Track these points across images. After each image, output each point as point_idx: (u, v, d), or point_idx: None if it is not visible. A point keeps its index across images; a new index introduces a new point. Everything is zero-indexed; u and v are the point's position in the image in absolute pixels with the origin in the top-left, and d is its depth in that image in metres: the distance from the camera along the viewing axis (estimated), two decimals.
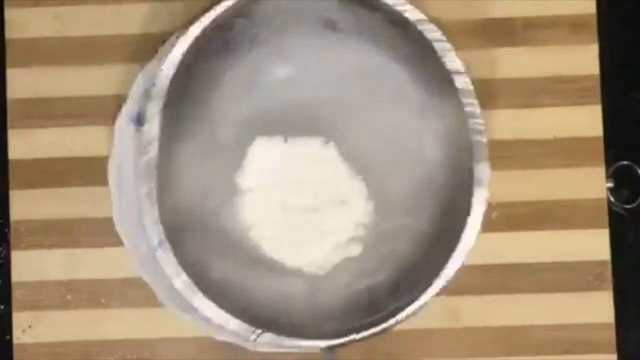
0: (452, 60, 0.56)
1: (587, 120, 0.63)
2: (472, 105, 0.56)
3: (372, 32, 0.58)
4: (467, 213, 0.56)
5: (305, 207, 0.61)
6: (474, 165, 0.56)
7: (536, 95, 0.63)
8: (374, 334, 0.56)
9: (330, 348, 0.56)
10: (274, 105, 0.61)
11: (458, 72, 0.56)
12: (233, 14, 0.56)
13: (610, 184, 0.63)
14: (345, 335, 0.56)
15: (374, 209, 0.61)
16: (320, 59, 0.61)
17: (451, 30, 0.63)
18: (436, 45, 0.56)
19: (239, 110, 0.61)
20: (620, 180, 0.63)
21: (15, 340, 0.63)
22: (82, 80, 0.64)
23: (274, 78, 0.61)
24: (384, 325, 0.56)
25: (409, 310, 0.56)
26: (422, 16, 0.56)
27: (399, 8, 0.56)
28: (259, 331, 0.55)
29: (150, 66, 0.61)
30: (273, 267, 0.60)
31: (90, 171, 0.63)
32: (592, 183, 0.63)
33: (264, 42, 0.60)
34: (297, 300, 0.59)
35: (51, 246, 0.63)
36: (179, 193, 0.58)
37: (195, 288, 0.55)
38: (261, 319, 0.56)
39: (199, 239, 0.58)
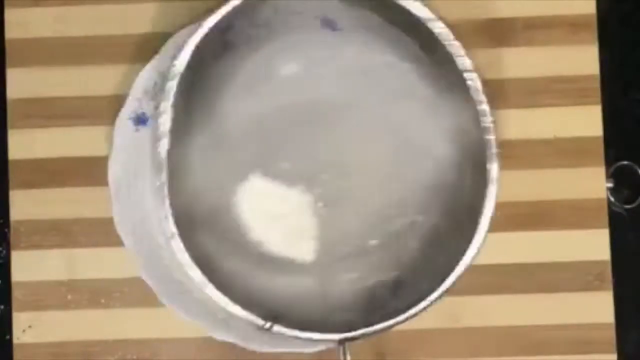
0: (462, 58, 0.56)
1: (587, 120, 0.63)
2: (482, 103, 0.56)
3: (376, 31, 0.59)
4: (478, 212, 0.56)
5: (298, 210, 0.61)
6: (487, 164, 0.56)
7: (536, 95, 0.63)
8: (388, 328, 0.56)
9: (342, 342, 0.56)
10: (279, 103, 0.61)
11: (467, 70, 0.56)
12: (234, 14, 0.56)
13: (610, 184, 0.63)
14: (358, 328, 0.56)
15: (384, 206, 0.61)
16: (324, 58, 0.61)
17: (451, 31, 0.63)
18: (446, 43, 0.56)
19: (244, 109, 0.61)
20: (620, 180, 0.63)
21: (15, 340, 0.63)
22: (82, 80, 0.64)
23: (278, 77, 0.61)
24: (399, 318, 0.56)
25: (424, 304, 0.56)
26: (430, 14, 0.56)
27: (408, 7, 0.56)
28: (269, 324, 0.55)
29: (151, 66, 0.61)
30: (280, 265, 0.60)
31: (90, 171, 0.63)
32: (592, 183, 0.63)
33: (266, 41, 0.60)
34: (306, 296, 0.59)
35: (51, 246, 0.63)
36: (186, 189, 0.58)
37: (206, 280, 0.56)
38: (270, 313, 0.56)
39: (206, 235, 0.59)
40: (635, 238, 0.63)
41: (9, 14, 0.64)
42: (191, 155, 0.59)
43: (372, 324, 0.56)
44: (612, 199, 0.63)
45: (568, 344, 0.63)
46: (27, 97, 0.64)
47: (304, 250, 0.61)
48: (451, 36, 0.56)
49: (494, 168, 0.56)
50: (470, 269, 0.61)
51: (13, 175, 0.64)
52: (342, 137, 0.61)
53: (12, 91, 0.64)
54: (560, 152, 0.63)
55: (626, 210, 0.63)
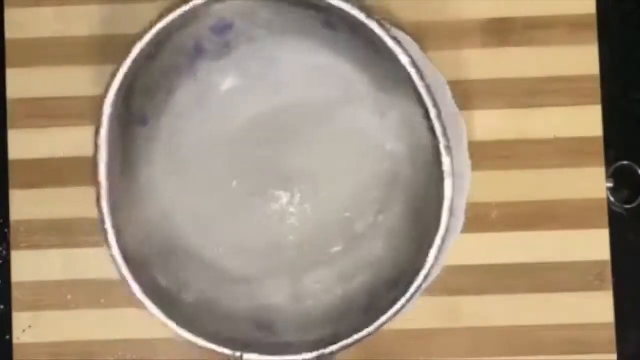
0: (403, 56, 0.54)
1: (587, 120, 0.63)
2: (426, 100, 0.54)
3: (314, 32, 0.58)
4: (439, 209, 0.55)
5: None
6: (441, 159, 0.54)
7: (536, 95, 0.63)
8: (364, 337, 0.55)
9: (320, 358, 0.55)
10: (244, 115, 0.61)
11: (410, 67, 0.54)
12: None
13: (610, 184, 0.63)
14: (334, 342, 0.55)
15: (345, 210, 0.60)
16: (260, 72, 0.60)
17: (451, 31, 0.63)
18: (387, 41, 0.54)
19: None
20: (620, 180, 0.63)
21: (15, 340, 0.63)
22: (81, 80, 0.64)
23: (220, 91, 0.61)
24: (371, 328, 0.55)
25: (396, 308, 0.55)
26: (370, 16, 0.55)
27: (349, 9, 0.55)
28: (239, 354, 0.55)
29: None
30: (248, 287, 0.60)
31: (90, 171, 0.63)
32: (592, 183, 0.63)
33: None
34: (278, 312, 0.59)
35: (51, 246, 0.63)
36: (145, 217, 0.58)
37: (166, 317, 0.56)
38: (243, 338, 0.56)
39: (170, 263, 0.58)
40: (635, 238, 0.63)
41: (9, 14, 0.64)
42: (148, 182, 0.59)
43: (346, 337, 0.55)
44: (612, 199, 0.63)
45: (568, 344, 0.63)
46: (27, 97, 0.64)
47: (272, 267, 0.60)
48: (392, 32, 0.54)
49: (446, 162, 0.54)
50: (470, 269, 0.61)
51: (13, 175, 0.64)
52: (304, 144, 0.61)
53: (12, 91, 0.64)
54: (560, 152, 0.63)
55: (626, 210, 0.63)
